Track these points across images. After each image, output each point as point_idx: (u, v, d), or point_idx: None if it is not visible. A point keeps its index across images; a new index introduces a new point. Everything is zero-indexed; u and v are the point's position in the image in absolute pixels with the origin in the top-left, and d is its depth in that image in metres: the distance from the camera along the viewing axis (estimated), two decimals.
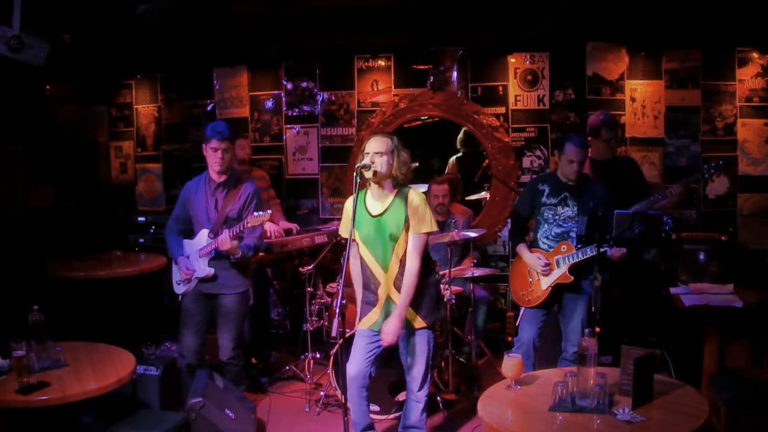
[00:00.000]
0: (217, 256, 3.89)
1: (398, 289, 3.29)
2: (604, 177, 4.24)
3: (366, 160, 3.23)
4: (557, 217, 3.85)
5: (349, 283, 3.65)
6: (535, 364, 3.92)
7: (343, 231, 3.44)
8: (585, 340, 2.67)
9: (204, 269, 3.91)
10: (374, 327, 3.34)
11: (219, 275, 3.93)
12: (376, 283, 3.33)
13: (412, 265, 3.25)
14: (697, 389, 2.82)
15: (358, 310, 3.46)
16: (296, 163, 6.01)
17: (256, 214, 3.67)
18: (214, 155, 3.85)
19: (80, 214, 5.97)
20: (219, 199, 3.93)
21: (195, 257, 3.93)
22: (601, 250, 3.54)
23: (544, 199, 3.88)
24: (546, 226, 3.89)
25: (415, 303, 3.30)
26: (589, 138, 4.41)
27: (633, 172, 4.59)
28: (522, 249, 3.94)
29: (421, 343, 3.35)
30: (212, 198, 3.93)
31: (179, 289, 4.04)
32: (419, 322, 3.32)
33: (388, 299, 3.31)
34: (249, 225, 3.70)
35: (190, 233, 4.03)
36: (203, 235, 3.92)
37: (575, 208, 3.81)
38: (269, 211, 3.73)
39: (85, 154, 6.35)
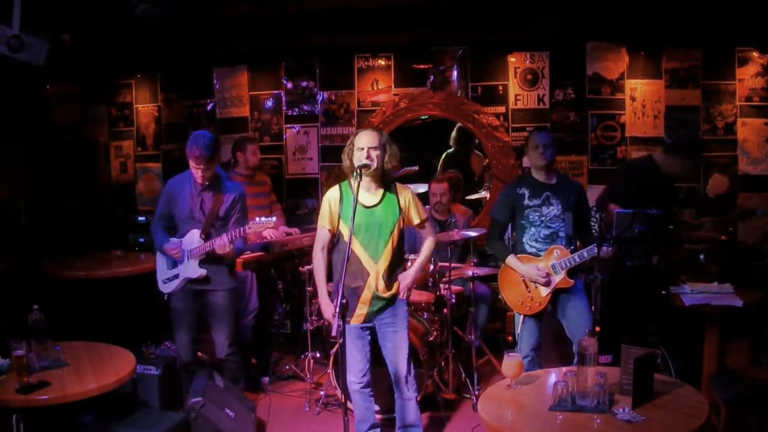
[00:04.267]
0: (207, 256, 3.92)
1: (386, 281, 3.34)
2: (661, 183, 4.23)
3: (364, 159, 3.25)
4: (543, 218, 3.73)
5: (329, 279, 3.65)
6: (543, 366, 3.86)
7: (326, 222, 3.42)
8: (585, 340, 2.68)
9: (196, 270, 3.91)
10: (366, 321, 3.39)
11: (207, 273, 3.94)
12: (366, 275, 3.34)
13: (431, 239, 3.56)
14: (697, 389, 2.82)
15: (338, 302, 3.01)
16: (296, 163, 6.01)
17: (260, 220, 3.69)
18: (194, 170, 3.84)
19: (80, 214, 5.98)
20: (206, 199, 3.92)
21: (185, 257, 3.93)
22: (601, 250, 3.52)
23: (525, 201, 3.75)
24: (533, 228, 3.75)
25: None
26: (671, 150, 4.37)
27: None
28: (514, 261, 3.76)
29: (404, 338, 3.41)
30: (198, 198, 3.93)
31: (166, 288, 4.02)
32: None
33: (376, 291, 3.34)
34: (252, 230, 3.72)
35: (173, 230, 4.03)
36: (194, 236, 3.90)
37: (559, 206, 3.70)
38: (273, 218, 3.76)
39: (85, 154, 6.34)
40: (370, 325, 3.44)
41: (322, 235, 3.45)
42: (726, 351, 3.85)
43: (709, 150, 5.42)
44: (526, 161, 5.58)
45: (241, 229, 3.76)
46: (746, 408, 3.27)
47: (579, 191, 3.82)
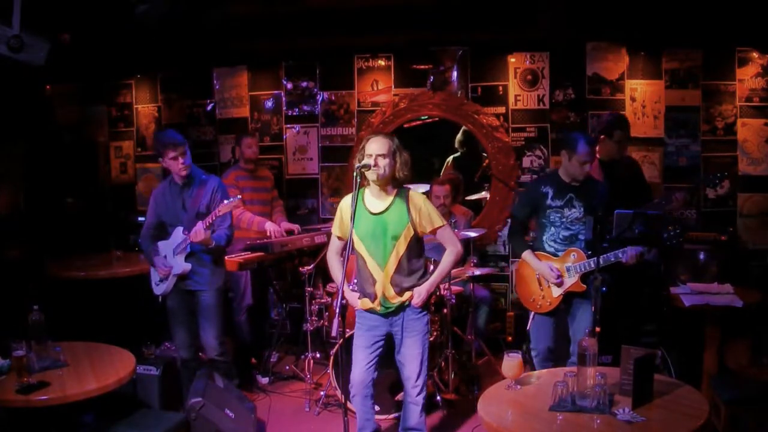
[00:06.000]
0: (192, 254, 3.95)
1: (394, 287, 3.32)
2: (610, 177, 4.21)
3: (367, 160, 3.25)
4: (564, 220, 3.71)
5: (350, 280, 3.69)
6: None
7: (337, 229, 3.47)
8: (585, 340, 2.67)
9: (181, 265, 3.95)
10: (376, 311, 3.39)
11: (196, 272, 3.99)
12: (373, 281, 3.35)
13: (455, 248, 3.44)
14: (697, 389, 2.82)
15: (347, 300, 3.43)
16: (296, 163, 6.01)
17: (225, 201, 3.77)
18: (175, 163, 3.91)
19: (80, 214, 5.98)
20: (186, 198, 3.99)
21: (171, 255, 3.98)
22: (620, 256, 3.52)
23: (548, 201, 3.73)
24: (552, 229, 3.75)
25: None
26: (601, 137, 4.37)
27: (636, 174, 4.58)
28: (530, 257, 3.78)
29: (415, 343, 3.37)
30: (179, 199, 4.00)
31: (159, 290, 4.08)
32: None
33: (384, 297, 3.33)
34: (220, 213, 3.79)
35: (163, 239, 4.09)
36: (178, 233, 3.97)
37: (582, 209, 3.68)
38: (239, 197, 3.90)
39: (85, 154, 6.35)
40: (384, 332, 3.42)
41: (334, 242, 3.52)
42: (726, 351, 3.84)
43: (709, 150, 5.42)
44: (526, 161, 5.60)
45: (212, 214, 3.82)
46: (746, 408, 3.26)
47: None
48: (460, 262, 5.03)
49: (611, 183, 4.10)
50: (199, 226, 3.80)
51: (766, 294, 4.17)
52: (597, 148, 4.37)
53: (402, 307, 3.36)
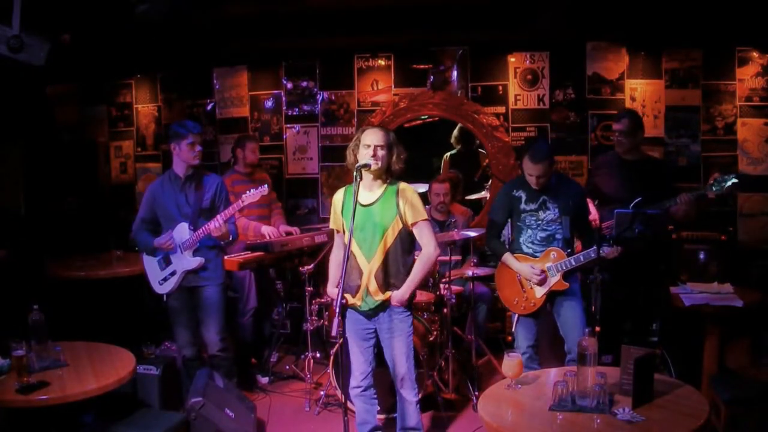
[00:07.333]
0: (197, 249, 3.95)
1: (378, 281, 3.32)
2: (625, 176, 4.21)
3: (368, 159, 3.25)
4: (540, 222, 3.72)
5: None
6: (542, 365, 3.87)
7: (332, 223, 3.52)
8: (585, 340, 2.67)
9: (192, 260, 3.95)
10: (357, 308, 3.39)
11: (202, 266, 3.99)
12: (360, 273, 3.35)
13: (428, 249, 3.35)
14: (697, 389, 2.82)
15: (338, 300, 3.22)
16: (296, 163, 6.01)
17: (251, 191, 3.78)
18: (191, 150, 3.93)
19: (80, 214, 5.98)
20: (189, 193, 3.99)
21: (178, 251, 3.96)
22: (602, 253, 3.51)
23: (522, 205, 3.74)
24: (529, 231, 3.75)
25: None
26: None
27: (656, 177, 4.27)
28: (510, 259, 3.79)
29: (403, 343, 3.37)
30: (181, 194, 3.99)
31: (163, 289, 4.05)
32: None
33: (367, 290, 3.33)
34: (247, 202, 3.81)
35: (155, 234, 4.06)
36: (183, 230, 3.95)
37: (556, 210, 3.68)
38: (266, 186, 3.88)
39: (85, 154, 6.35)
40: (373, 327, 3.43)
41: (336, 237, 3.57)
42: (726, 351, 3.84)
43: (709, 150, 5.42)
44: None
45: (235, 205, 3.83)
46: (746, 408, 3.27)
47: (577, 193, 3.78)
48: (460, 261, 5.06)
49: (625, 181, 4.10)
50: (219, 219, 3.80)
51: (766, 294, 4.16)
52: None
53: (384, 307, 3.36)
